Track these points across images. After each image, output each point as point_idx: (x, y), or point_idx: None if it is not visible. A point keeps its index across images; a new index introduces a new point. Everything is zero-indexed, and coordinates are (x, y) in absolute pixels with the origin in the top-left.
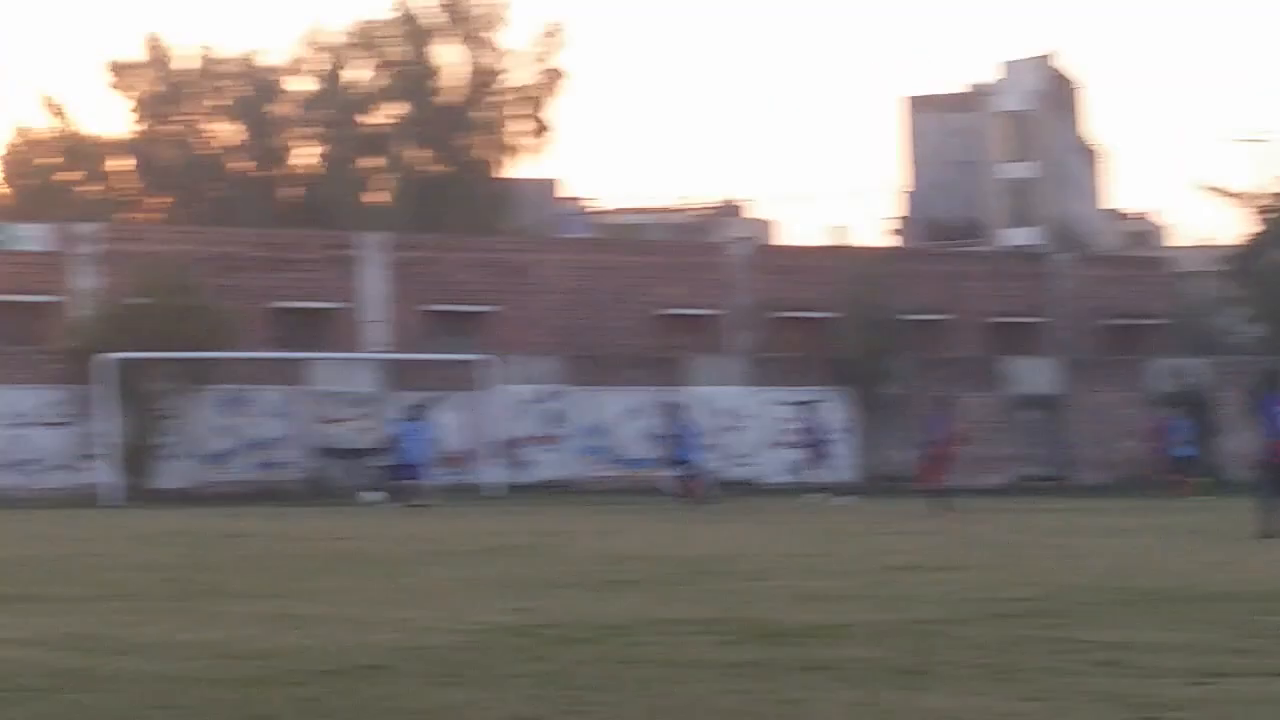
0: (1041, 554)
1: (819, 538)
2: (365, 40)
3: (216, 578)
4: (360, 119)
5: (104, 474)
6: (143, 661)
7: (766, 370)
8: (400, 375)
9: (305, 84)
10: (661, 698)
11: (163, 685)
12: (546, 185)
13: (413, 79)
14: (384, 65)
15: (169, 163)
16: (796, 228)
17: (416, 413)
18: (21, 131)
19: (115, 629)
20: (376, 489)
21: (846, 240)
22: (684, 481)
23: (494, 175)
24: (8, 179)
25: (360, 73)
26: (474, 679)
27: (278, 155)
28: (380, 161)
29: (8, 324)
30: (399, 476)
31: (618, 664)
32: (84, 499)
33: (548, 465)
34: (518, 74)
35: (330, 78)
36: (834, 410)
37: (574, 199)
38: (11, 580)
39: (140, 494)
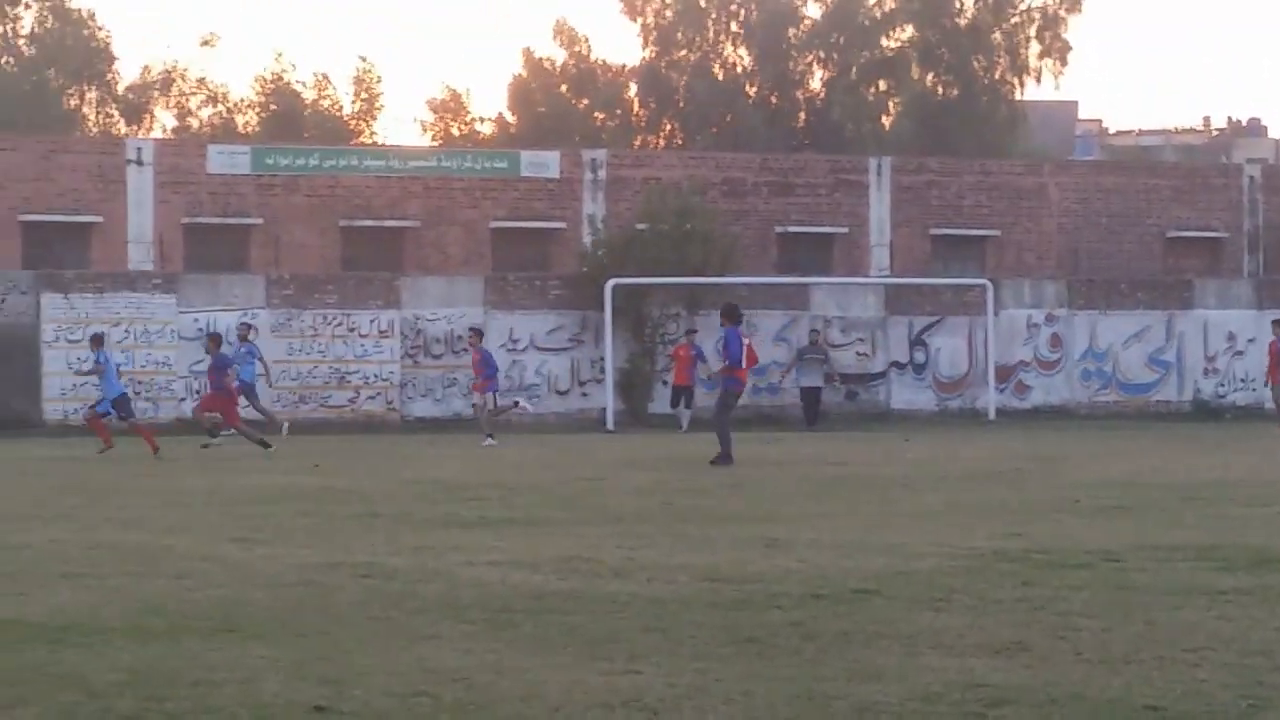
0: None
1: None
2: None
3: (708, 502)
4: (873, 43)
5: (604, 399)
6: (633, 584)
7: (1276, 292)
8: (901, 300)
9: (817, 9)
10: (1152, 624)
11: (652, 608)
12: (1065, 108)
13: (928, 1)
14: None
15: (679, 89)
16: None
17: (245, 331)
18: (530, 59)
19: (608, 552)
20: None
21: None
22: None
23: (1009, 98)
24: (517, 106)
25: None
26: (963, 604)
27: (788, 80)
28: (890, 85)
29: (515, 250)
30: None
31: (1108, 590)
32: (584, 424)
33: (1046, 390)
34: None
35: (843, 2)
36: None
37: (1090, 121)
38: (511, 504)
39: (639, 419)
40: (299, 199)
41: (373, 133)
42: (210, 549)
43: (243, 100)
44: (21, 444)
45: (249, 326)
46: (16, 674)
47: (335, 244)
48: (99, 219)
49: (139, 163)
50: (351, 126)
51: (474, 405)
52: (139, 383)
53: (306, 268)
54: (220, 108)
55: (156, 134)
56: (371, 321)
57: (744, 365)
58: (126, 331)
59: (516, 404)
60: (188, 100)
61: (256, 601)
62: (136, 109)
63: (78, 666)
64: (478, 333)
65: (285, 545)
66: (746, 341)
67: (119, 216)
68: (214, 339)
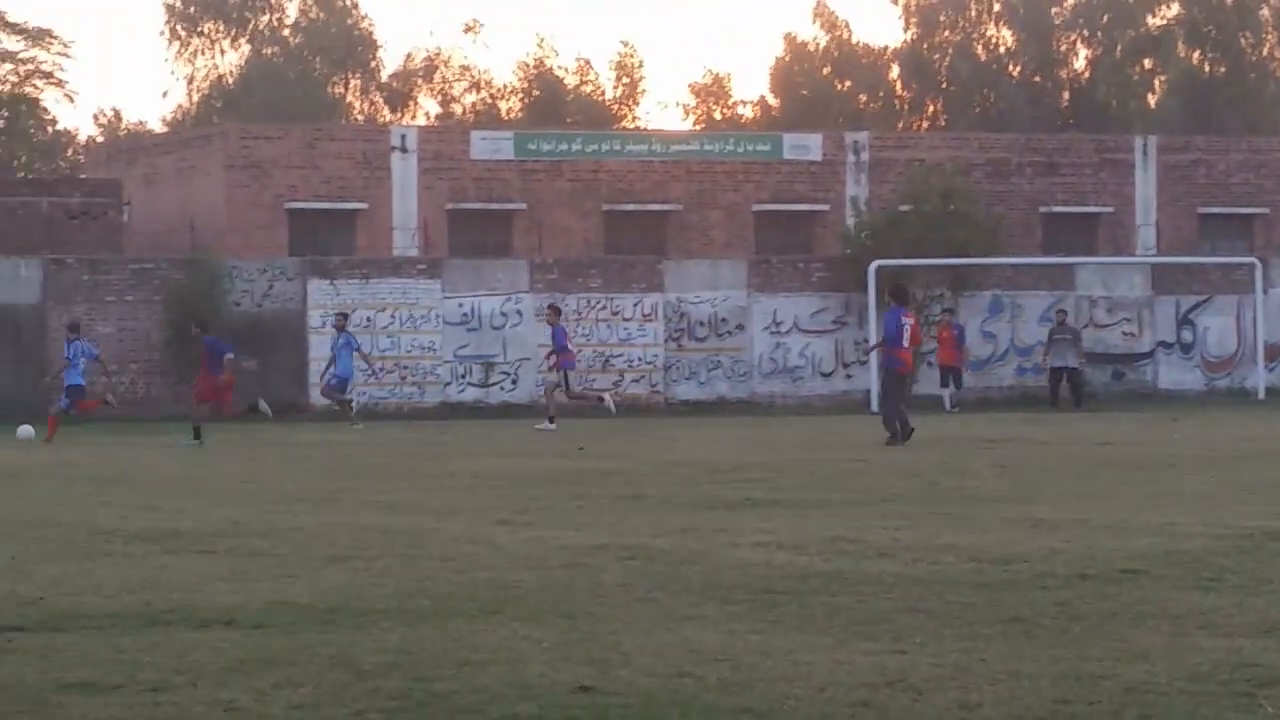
0: None
1: None
2: None
3: (973, 483)
4: (1138, 21)
5: (868, 380)
6: (898, 565)
7: None
8: (1167, 279)
9: None
10: None
11: (917, 588)
12: None
13: None
14: None
15: (941, 70)
16: None
17: (341, 321)
18: (792, 42)
19: (873, 533)
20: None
21: None
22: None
23: (1277, 75)
24: (779, 89)
25: None
26: (1232, 583)
27: (1052, 59)
28: (1155, 63)
29: (778, 232)
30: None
31: None
32: (848, 405)
33: None
34: None
35: None
36: None
37: None
38: (775, 486)
39: (904, 400)
40: (562, 184)
41: (635, 117)
42: (476, 531)
43: (505, 86)
44: (290, 429)
45: (345, 316)
46: (287, 655)
47: (598, 228)
48: (364, 206)
49: (403, 150)
50: (613, 111)
51: (547, 384)
52: (403, 367)
53: (569, 252)
54: (483, 94)
55: (420, 121)
56: (635, 305)
57: (904, 345)
58: (392, 317)
59: (601, 399)
60: (451, 87)
61: (522, 583)
62: (400, 96)
63: (346, 647)
64: (555, 309)
65: (551, 527)
66: (909, 322)
67: (384, 203)
68: (199, 323)
